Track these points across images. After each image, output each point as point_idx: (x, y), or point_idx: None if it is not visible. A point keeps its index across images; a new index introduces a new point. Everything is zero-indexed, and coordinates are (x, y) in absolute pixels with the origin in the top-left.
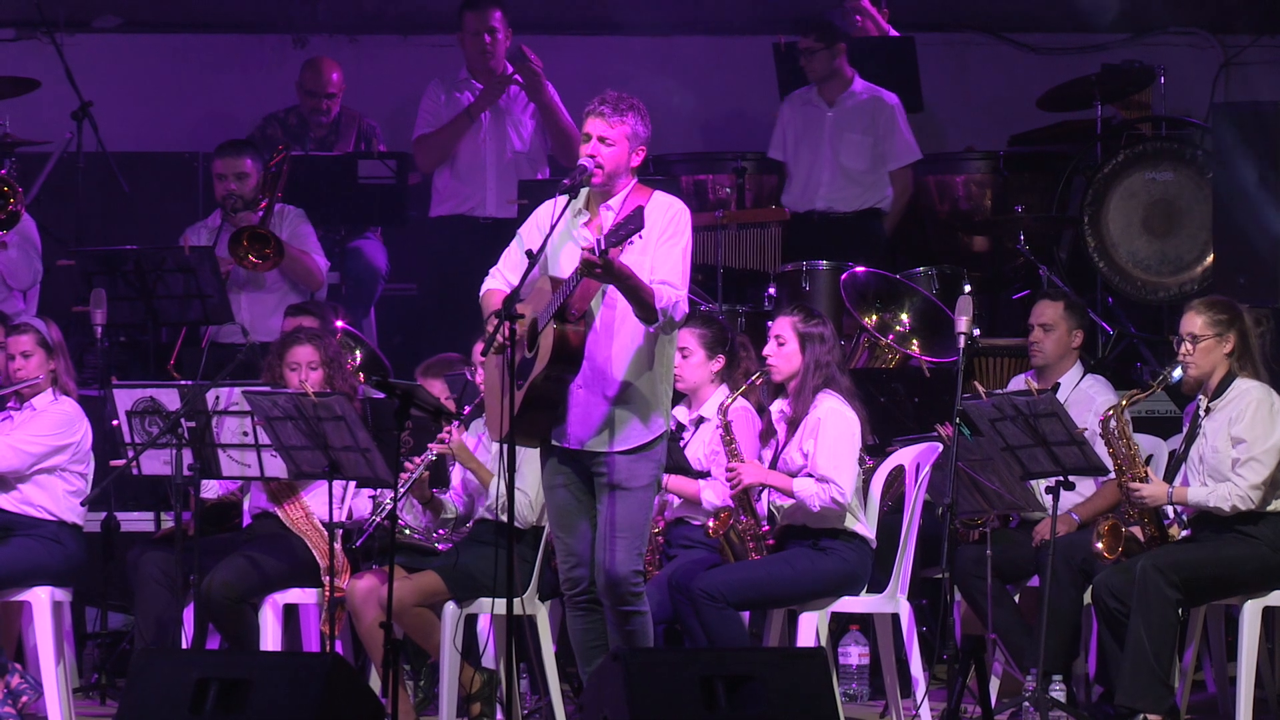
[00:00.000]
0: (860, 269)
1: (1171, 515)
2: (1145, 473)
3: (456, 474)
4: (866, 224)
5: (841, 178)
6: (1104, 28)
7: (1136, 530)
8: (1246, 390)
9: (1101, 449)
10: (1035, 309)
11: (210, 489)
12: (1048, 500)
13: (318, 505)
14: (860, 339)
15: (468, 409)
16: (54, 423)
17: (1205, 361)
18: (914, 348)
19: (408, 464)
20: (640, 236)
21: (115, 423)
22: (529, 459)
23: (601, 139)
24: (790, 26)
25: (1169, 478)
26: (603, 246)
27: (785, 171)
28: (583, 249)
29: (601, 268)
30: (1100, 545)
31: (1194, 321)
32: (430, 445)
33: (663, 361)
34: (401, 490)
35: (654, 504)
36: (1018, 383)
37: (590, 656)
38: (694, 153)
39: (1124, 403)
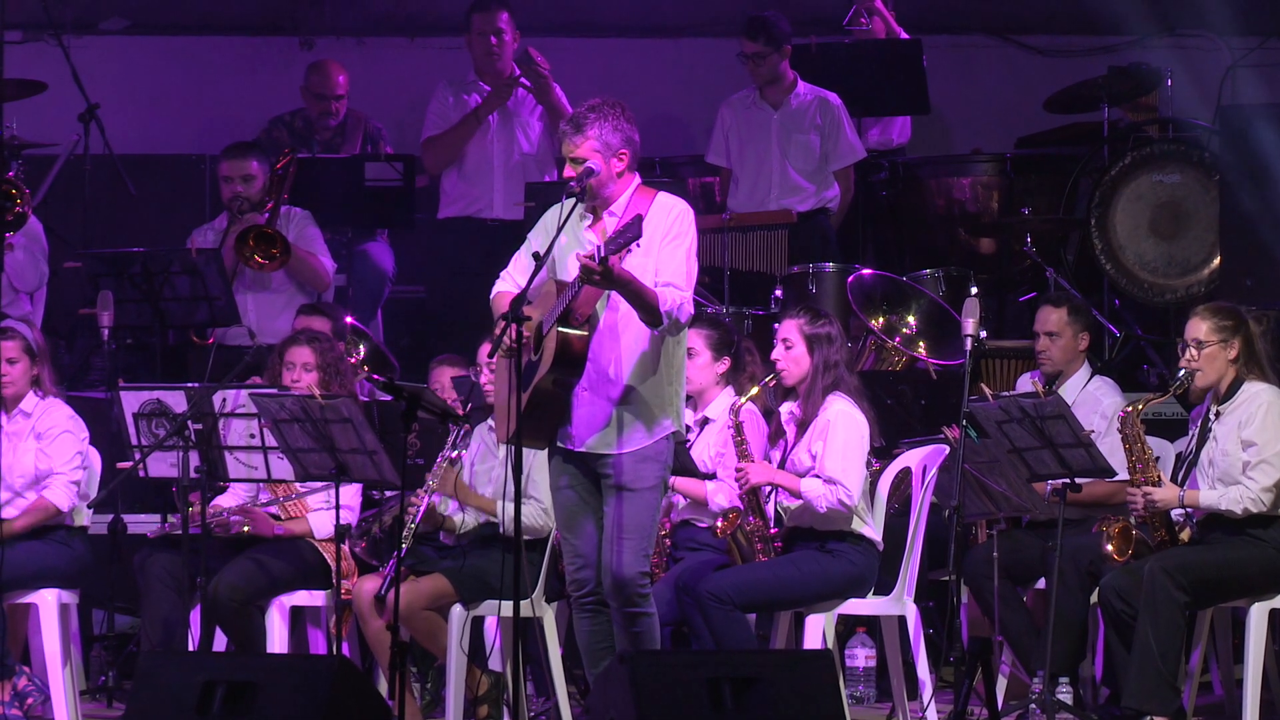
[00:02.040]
0: (867, 271)
1: (1181, 518)
2: (1157, 476)
3: (464, 478)
4: (817, 224)
5: (792, 180)
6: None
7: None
8: (1257, 393)
9: (1107, 447)
10: (1039, 316)
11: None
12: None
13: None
14: (867, 341)
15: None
16: (74, 440)
17: (1211, 368)
18: (920, 350)
19: (412, 497)
20: (638, 245)
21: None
22: (541, 467)
23: (572, 160)
24: (797, 29)
25: (1177, 481)
26: (602, 254)
27: (729, 176)
28: (580, 257)
29: (601, 274)
30: (1110, 548)
31: (1199, 327)
32: (430, 479)
33: (671, 364)
34: (412, 525)
35: (660, 505)
36: (1024, 383)
37: (597, 658)
38: (700, 155)
39: (1140, 406)
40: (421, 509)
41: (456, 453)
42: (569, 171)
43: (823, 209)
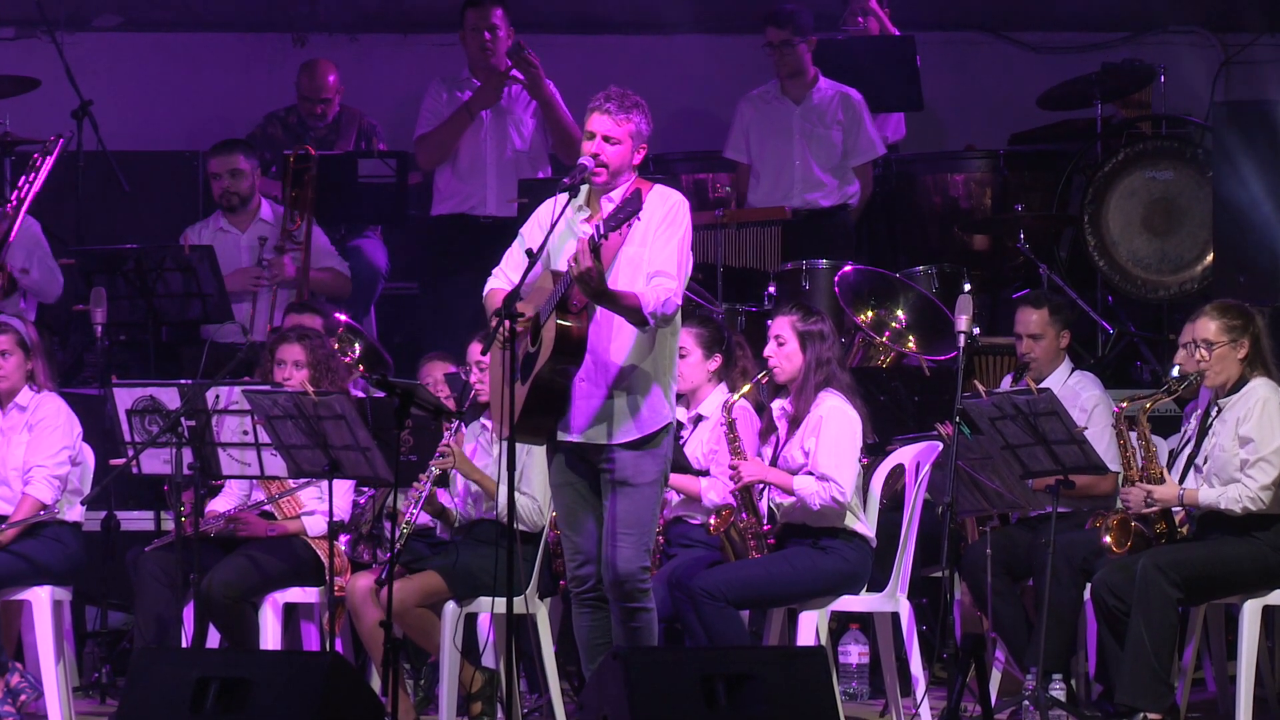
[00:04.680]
0: (853, 267)
1: (1181, 512)
2: (1159, 472)
3: (459, 478)
4: (837, 219)
5: (814, 175)
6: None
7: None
8: (1254, 389)
9: (1100, 442)
10: (1020, 319)
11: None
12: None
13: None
14: (856, 337)
15: (465, 409)
16: (63, 436)
17: (1221, 367)
18: (909, 345)
19: (414, 484)
20: (639, 219)
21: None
22: (536, 463)
23: (607, 138)
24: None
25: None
26: (601, 231)
27: (746, 171)
28: (574, 255)
29: (591, 266)
30: (1108, 539)
31: (1208, 328)
32: (432, 462)
33: (664, 353)
34: (415, 510)
35: (660, 500)
36: (1005, 384)
37: (595, 654)
38: (694, 151)
39: (1149, 405)
40: (424, 494)
41: (457, 425)
42: (597, 145)
43: (843, 205)
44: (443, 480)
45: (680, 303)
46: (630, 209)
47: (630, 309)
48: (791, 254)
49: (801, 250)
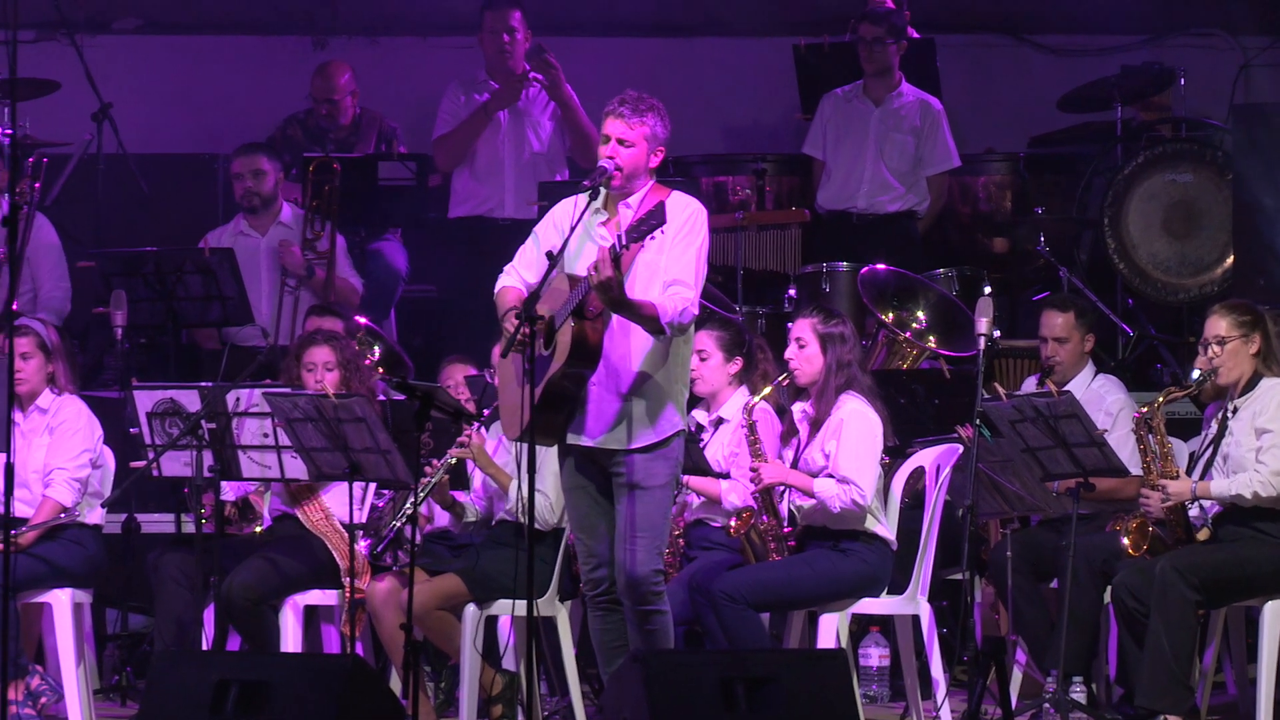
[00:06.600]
0: (879, 266)
1: (1198, 513)
2: (1175, 470)
3: (477, 477)
4: (903, 226)
5: (883, 178)
6: None
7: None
8: (1272, 386)
9: (1114, 443)
10: (1045, 321)
11: (226, 492)
12: None
13: (337, 506)
14: (879, 335)
15: (486, 412)
16: (84, 439)
17: (1234, 363)
18: (931, 343)
19: (427, 468)
20: (662, 231)
21: (134, 430)
22: (548, 461)
23: (621, 140)
24: (810, 29)
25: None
26: (624, 242)
27: (821, 168)
28: (595, 264)
29: (612, 275)
30: (1126, 541)
31: (1218, 324)
32: (450, 450)
33: (678, 359)
34: (422, 494)
35: (672, 503)
36: (1029, 386)
37: (611, 657)
38: (714, 154)
39: (1161, 400)
40: (434, 479)
41: (479, 429)
42: (612, 149)
43: (910, 212)
44: (460, 477)
45: (696, 312)
46: (654, 221)
47: (648, 318)
48: (853, 256)
49: (862, 254)
